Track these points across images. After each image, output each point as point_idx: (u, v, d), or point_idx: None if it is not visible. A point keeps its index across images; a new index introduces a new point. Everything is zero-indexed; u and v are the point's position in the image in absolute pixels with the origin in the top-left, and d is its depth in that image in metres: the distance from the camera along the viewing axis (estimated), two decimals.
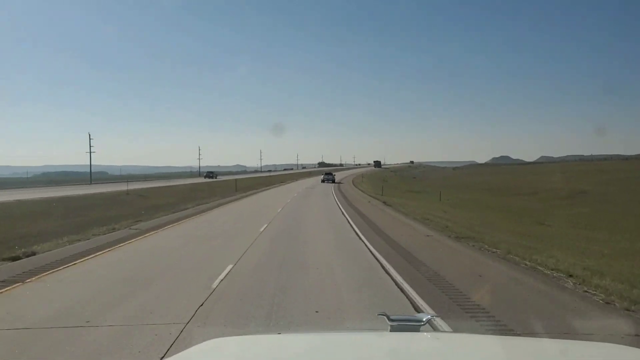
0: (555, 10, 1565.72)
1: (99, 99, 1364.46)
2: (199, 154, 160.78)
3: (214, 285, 9.33)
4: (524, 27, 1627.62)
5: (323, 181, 73.37)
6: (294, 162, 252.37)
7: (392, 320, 2.45)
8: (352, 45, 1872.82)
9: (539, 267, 10.84)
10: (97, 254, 13.40)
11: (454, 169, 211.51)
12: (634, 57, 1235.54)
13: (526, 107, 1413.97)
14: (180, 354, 2.39)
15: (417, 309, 7.61)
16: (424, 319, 2.51)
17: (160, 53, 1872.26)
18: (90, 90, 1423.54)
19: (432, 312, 7.14)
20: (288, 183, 77.94)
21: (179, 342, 6.13)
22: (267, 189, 56.59)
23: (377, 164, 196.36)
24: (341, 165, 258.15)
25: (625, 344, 2.59)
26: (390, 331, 2.43)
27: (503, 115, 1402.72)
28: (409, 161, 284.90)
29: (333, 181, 72.70)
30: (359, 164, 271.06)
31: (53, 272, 10.90)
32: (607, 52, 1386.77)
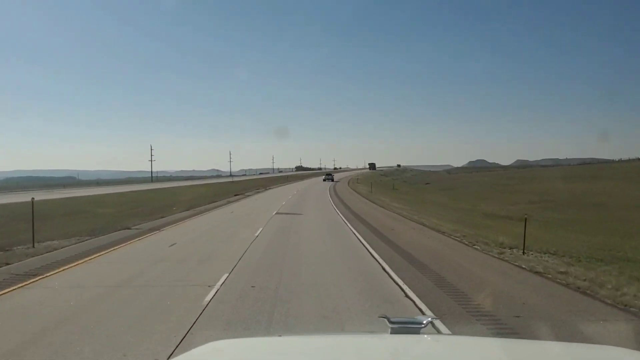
0: (529, 18, 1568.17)
1: (82, 106, 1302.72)
2: (151, 156, 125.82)
3: None
4: (500, 35, 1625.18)
5: (325, 180, 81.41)
6: (273, 166, 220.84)
7: (393, 323, 2.31)
8: (329, 52, 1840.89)
9: None
10: None
11: (449, 172, 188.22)
12: (612, 61, 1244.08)
13: (502, 112, 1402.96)
14: (180, 356, 2.17)
15: None
16: (424, 322, 2.34)
17: (129, 58, 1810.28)
18: (71, 98, 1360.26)
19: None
20: (250, 195, 44.69)
21: None
22: (188, 219, 23.67)
23: (372, 166, 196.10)
24: (319, 169, 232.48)
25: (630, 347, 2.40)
26: (391, 333, 2.29)
27: (479, 120, 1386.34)
28: (395, 164, 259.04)
29: (332, 180, 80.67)
30: (340, 168, 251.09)
31: None
32: (583, 56, 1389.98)
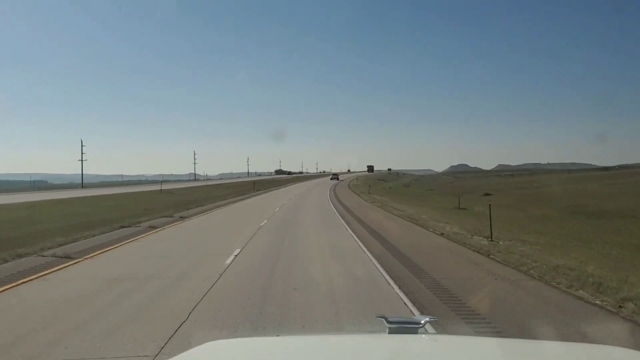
0: (511, 26, 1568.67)
1: (66, 110, 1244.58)
2: (82, 155, 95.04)
3: None
4: (483, 44, 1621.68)
5: (332, 179, 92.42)
6: (248, 169, 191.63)
7: (391, 323, 2.25)
8: (311, 58, 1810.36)
9: None
10: None
11: (453, 177, 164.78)
12: (595, 67, 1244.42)
13: (483, 117, 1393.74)
14: (176, 357, 2.05)
15: None
16: (422, 321, 2.28)
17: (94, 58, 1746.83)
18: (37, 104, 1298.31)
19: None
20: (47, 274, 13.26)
21: None
22: None
23: (370, 168, 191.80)
24: (301, 173, 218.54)
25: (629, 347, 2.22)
26: (389, 333, 2.23)
27: (460, 125, 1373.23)
28: (382, 168, 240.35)
29: (337, 179, 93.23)
30: (324, 171, 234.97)
31: None
32: (564, 62, 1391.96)
